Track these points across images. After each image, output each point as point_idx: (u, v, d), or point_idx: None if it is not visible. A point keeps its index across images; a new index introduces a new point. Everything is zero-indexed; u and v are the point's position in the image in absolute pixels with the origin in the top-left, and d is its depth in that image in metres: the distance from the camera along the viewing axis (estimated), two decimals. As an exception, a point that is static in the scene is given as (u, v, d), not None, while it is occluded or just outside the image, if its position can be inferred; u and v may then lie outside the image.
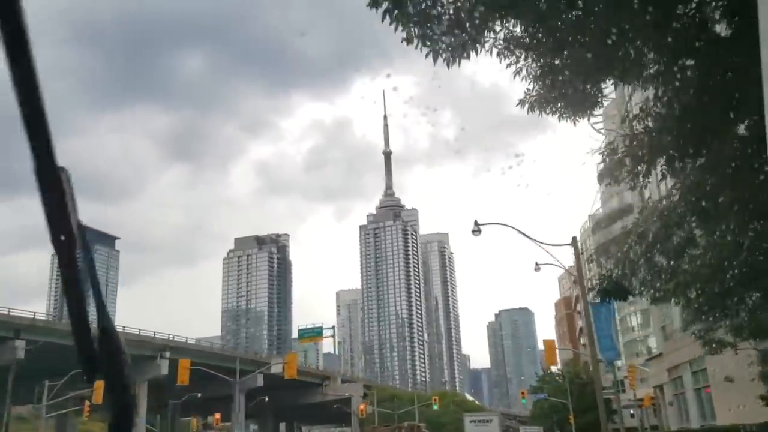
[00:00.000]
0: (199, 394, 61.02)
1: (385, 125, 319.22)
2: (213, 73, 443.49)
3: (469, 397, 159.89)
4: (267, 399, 76.39)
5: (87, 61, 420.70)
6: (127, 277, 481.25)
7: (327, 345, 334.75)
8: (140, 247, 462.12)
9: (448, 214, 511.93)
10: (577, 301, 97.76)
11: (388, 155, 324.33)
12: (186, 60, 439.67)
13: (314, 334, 74.55)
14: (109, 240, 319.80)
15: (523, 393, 53.09)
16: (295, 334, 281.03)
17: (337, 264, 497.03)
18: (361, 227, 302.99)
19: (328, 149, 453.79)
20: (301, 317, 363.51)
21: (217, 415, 56.01)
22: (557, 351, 58.34)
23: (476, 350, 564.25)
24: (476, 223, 23.36)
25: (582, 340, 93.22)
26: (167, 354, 55.19)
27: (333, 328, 62.99)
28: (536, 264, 30.29)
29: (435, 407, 63.45)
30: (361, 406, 55.96)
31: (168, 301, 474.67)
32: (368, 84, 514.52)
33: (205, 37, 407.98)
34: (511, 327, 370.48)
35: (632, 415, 45.54)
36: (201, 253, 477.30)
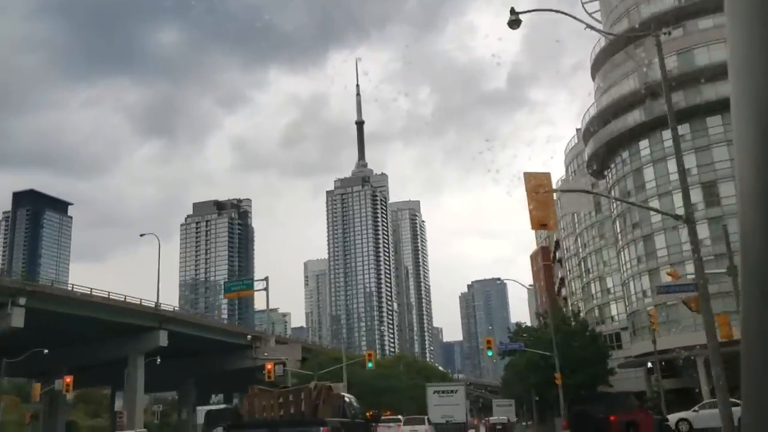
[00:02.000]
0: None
1: (358, 94, 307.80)
2: (189, 47, 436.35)
3: (436, 365, 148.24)
4: (190, 364, 63.49)
5: (58, 34, 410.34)
6: (99, 250, 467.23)
7: (297, 318, 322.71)
8: (113, 221, 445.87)
9: (422, 189, 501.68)
10: (557, 247, 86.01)
11: (360, 125, 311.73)
12: (161, 33, 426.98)
13: (243, 287, 61.32)
14: (61, 206, 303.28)
15: (489, 342, 40.37)
16: (258, 305, 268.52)
17: (311, 238, 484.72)
18: (328, 193, 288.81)
19: (304, 125, 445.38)
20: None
21: (68, 379, 42.47)
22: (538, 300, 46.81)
23: (449, 323, 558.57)
24: (513, 11, 18.00)
25: (563, 292, 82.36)
26: (21, 301, 41.42)
27: (266, 279, 51.22)
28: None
29: (371, 365, 50.67)
30: (269, 366, 43.04)
31: (139, 276, 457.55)
32: (345, 60, 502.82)
33: (181, 9, 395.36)
34: (483, 298, 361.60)
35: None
36: (175, 228, 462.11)
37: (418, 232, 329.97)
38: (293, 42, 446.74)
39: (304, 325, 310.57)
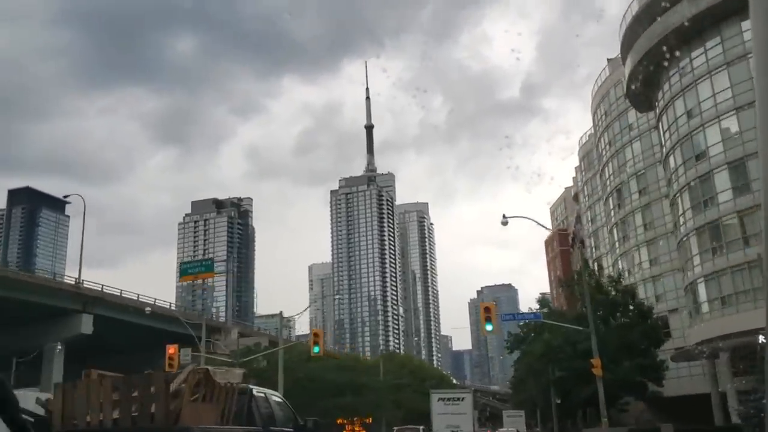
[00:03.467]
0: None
1: (367, 98, 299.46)
2: (204, 56, 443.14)
3: (439, 368, 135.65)
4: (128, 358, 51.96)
5: (76, 42, 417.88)
6: (111, 258, 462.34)
7: (302, 325, 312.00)
8: (127, 229, 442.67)
9: (433, 196, 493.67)
10: (577, 221, 72.78)
11: (369, 129, 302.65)
12: (177, 42, 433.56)
13: (201, 269, 50.63)
14: (59, 204, 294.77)
15: (487, 311, 28.88)
16: (259, 310, 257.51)
17: (318, 243, 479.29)
18: (332, 192, 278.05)
19: (317, 133, 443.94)
20: (277, 295, 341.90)
21: None
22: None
23: (458, 332, 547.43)
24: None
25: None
26: None
27: (225, 261, 42.43)
28: (504, 217, 27.29)
29: (317, 349, 39.89)
30: (170, 350, 32.76)
31: (152, 282, 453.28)
32: (359, 68, 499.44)
33: (197, 19, 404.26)
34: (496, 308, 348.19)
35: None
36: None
37: (427, 235, 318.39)
38: (307, 51, 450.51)
39: (308, 331, 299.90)
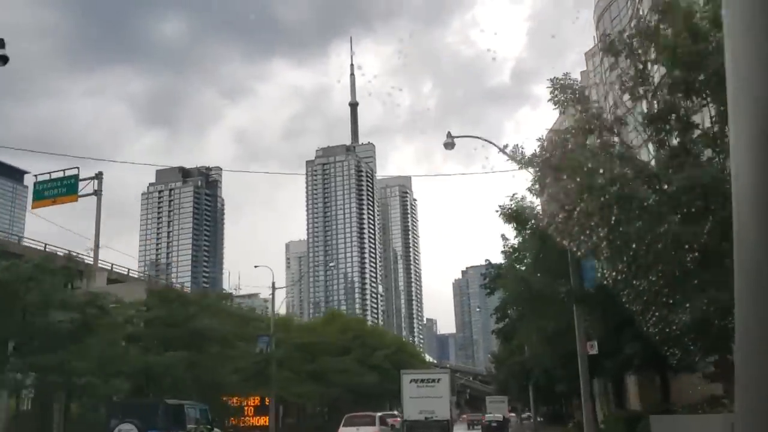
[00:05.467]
0: None
1: (352, 74, 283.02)
2: (192, 37, 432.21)
3: (405, 339, 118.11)
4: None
5: (62, 22, 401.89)
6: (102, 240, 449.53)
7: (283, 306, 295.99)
8: (112, 212, 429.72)
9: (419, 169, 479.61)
10: None
11: (354, 106, 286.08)
12: (164, 23, 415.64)
13: (62, 190, 33.10)
14: (17, 174, 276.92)
15: None
16: (227, 285, 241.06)
17: (300, 223, 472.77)
18: (308, 163, 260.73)
19: (306, 117, 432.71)
20: (257, 273, 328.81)
21: None
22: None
23: (443, 315, 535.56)
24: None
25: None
26: None
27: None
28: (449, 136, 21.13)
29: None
30: None
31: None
32: (348, 53, 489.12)
33: (184, 0, 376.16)
34: (478, 284, 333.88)
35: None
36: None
37: (409, 211, 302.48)
38: (296, 34, 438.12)
39: (284, 313, 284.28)
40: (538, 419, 60.11)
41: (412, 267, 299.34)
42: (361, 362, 46.33)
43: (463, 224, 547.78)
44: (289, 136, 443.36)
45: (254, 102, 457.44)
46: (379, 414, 34.07)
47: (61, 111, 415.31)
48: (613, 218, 11.07)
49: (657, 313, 12.35)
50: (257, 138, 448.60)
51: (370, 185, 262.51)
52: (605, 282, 13.80)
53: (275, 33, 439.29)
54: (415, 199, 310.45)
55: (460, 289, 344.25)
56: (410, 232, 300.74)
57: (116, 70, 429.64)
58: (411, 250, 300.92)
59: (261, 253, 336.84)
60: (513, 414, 77.93)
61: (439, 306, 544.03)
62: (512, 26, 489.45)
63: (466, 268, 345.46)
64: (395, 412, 42.97)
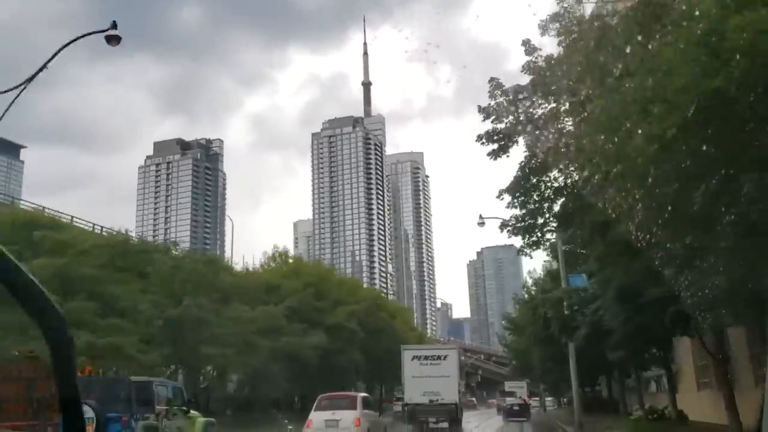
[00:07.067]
0: None
1: (365, 53, 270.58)
2: (211, 24, 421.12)
3: (386, 295, 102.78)
4: None
5: (81, 10, 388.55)
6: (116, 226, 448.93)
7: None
8: (131, 199, 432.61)
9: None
10: None
11: (367, 86, 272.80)
12: (183, 10, 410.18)
13: None
14: (13, 148, 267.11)
15: None
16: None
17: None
18: (314, 135, 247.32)
19: (323, 104, 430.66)
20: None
21: None
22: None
23: (458, 299, 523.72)
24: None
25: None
26: None
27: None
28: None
29: None
30: None
31: None
32: (368, 38, 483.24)
33: None
34: (494, 266, 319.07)
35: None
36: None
37: (422, 188, 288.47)
38: (314, 20, 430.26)
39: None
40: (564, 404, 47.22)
41: (424, 247, 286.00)
42: (307, 320, 33.26)
43: (478, 203, 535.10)
44: (307, 122, 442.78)
45: (272, 89, 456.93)
46: (362, 395, 24.25)
47: (82, 98, 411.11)
48: (650, 179, 9.28)
49: (689, 278, 11.27)
50: (275, 124, 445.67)
51: (380, 160, 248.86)
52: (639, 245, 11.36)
53: (293, 19, 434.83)
54: (427, 176, 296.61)
55: (475, 270, 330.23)
56: (422, 210, 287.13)
57: (135, 58, 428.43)
58: (423, 229, 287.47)
59: (271, 235, 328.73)
60: (536, 398, 66.72)
61: (453, 288, 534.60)
62: (532, 9, 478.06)
63: (481, 249, 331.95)
64: (364, 394, 30.96)
